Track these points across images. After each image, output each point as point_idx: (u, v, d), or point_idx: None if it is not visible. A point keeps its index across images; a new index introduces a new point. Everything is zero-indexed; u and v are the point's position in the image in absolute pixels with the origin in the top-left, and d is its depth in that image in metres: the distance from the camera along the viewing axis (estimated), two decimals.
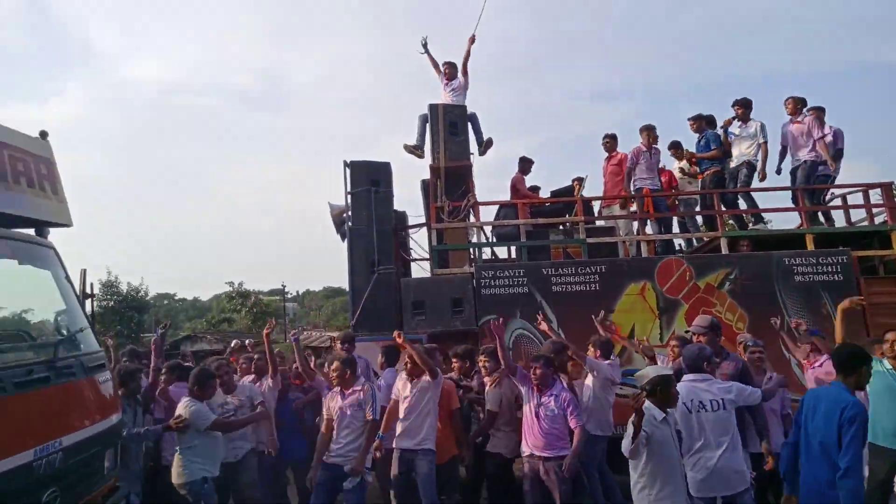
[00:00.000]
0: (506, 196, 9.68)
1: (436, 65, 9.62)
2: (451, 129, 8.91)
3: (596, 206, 10.33)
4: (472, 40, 9.52)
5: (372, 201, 8.40)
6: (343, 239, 8.74)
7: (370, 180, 8.47)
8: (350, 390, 5.35)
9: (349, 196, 8.53)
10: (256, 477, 5.80)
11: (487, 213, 9.47)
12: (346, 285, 8.53)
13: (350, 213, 8.51)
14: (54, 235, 4.76)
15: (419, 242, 9.49)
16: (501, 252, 9.79)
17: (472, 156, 9.05)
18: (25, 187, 4.38)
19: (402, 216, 9.40)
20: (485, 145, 9.36)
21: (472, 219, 8.73)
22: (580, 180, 10.29)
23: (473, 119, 9.28)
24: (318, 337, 31.23)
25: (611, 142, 9.79)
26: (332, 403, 5.43)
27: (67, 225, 4.85)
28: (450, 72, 9.48)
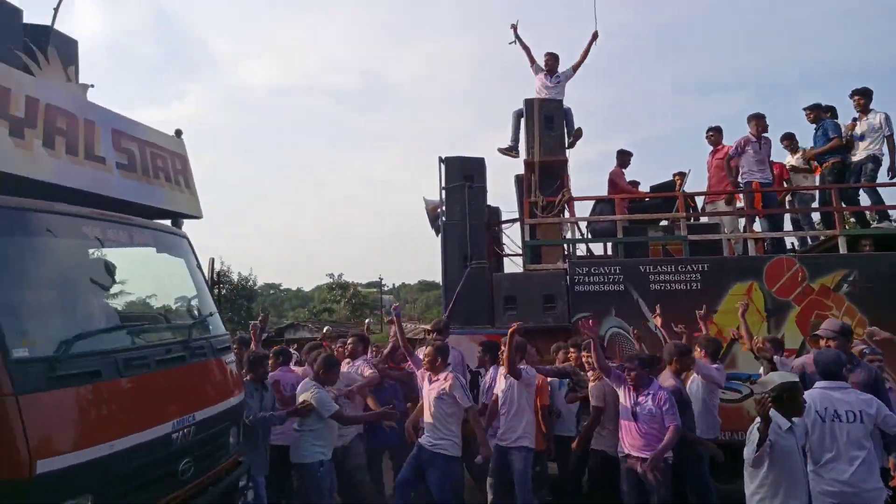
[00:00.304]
0: (603, 193, 9.43)
1: (528, 50, 9.48)
2: (546, 123, 8.81)
3: (699, 201, 9.87)
4: (595, 36, 9.32)
5: (466, 196, 8.43)
6: (437, 234, 8.84)
7: (464, 176, 8.51)
8: (437, 377, 5.41)
9: (443, 191, 8.61)
10: (364, 462, 5.98)
11: (582, 209, 9.27)
12: (440, 279, 8.63)
13: (444, 208, 8.59)
14: (185, 226, 5.13)
15: (512, 238, 9.46)
16: (596, 249, 9.56)
17: (566, 151, 8.91)
18: (164, 181, 4.77)
19: (495, 211, 9.39)
20: (574, 135, 9.17)
21: (566, 214, 8.59)
22: (682, 175, 9.85)
23: (568, 114, 9.12)
24: (413, 329, 31.82)
25: (716, 135, 9.31)
26: (423, 389, 5.55)
27: (198, 217, 5.21)
28: (551, 64, 9.33)
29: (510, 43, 9.44)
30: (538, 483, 5.62)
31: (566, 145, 9.00)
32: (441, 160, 8.66)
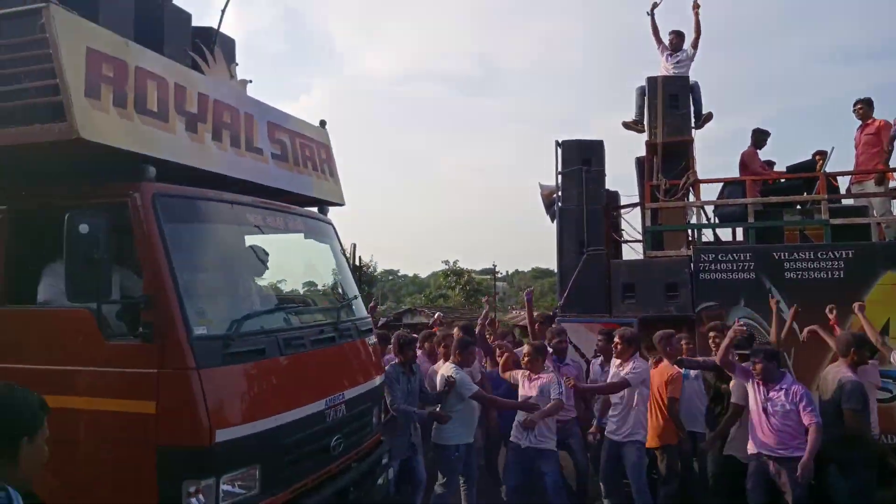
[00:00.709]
0: (733, 174, 8.84)
1: (657, 32, 9.04)
2: (670, 101, 8.38)
3: (843, 182, 8.99)
4: (697, 6, 8.79)
5: (583, 180, 8.23)
6: (552, 220, 8.70)
7: (581, 159, 8.31)
8: (537, 376, 5.41)
9: (560, 176, 8.45)
10: (481, 445, 6.01)
11: (709, 192, 8.74)
12: (554, 267, 8.51)
13: (560, 193, 8.43)
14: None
15: (631, 223, 9.13)
16: (724, 234, 9.00)
17: (692, 130, 8.44)
18: (311, 170, 4.98)
19: (613, 196, 9.09)
20: (703, 119, 8.65)
21: (691, 198, 8.15)
22: (823, 154, 9.02)
23: (695, 90, 8.61)
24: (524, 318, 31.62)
25: (864, 108, 8.39)
26: (522, 388, 5.53)
27: (342, 204, 5.42)
28: (676, 42, 8.86)
29: (647, 13, 8.97)
30: (668, 475, 5.39)
31: (692, 125, 8.52)
32: (558, 144, 8.50)
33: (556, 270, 8.52)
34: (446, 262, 55.05)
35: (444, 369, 5.48)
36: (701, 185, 8.27)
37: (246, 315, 3.57)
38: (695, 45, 8.81)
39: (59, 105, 3.03)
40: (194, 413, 3.06)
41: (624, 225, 9.14)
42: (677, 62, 8.78)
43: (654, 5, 8.90)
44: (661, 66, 8.90)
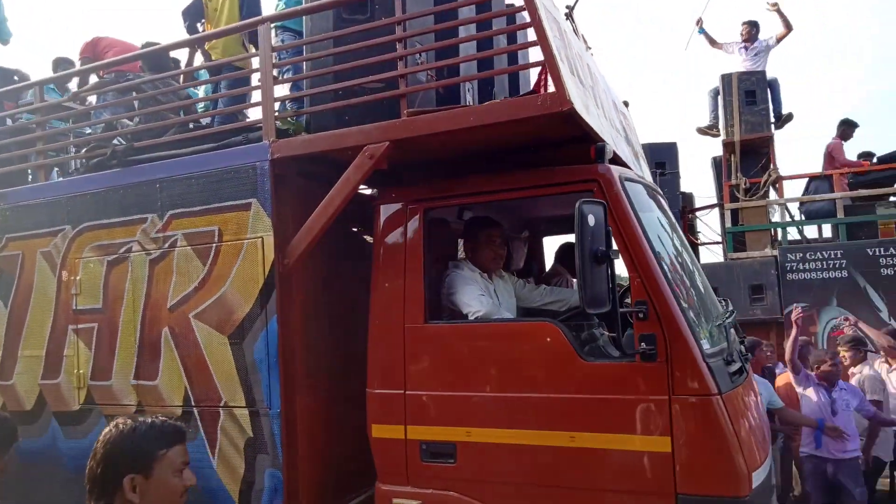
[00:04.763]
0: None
1: (714, 43, 8.72)
2: (747, 98, 8.13)
3: None
4: (775, 4, 8.41)
5: (658, 185, 8.08)
6: None
7: (655, 163, 8.17)
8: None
9: None
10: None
11: (793, 189, 8.40)
12: None
13: None
14: None
15: (710, 225, 8.88)
16: (811, 232, 8.61)
17: (772, 125, 8.15)
18: (643, 160, 4.24)
19: (689, 197, 8.91)
20: (783, 119, 8.32)
21: (773, 196, 7.86)
22: None
23: (773, 85, 8.30)
24: None
25: None
26: None
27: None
28: (750, 33, 8.55)
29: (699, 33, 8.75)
30: None
31: (772, 121, 8.23)
32: None
33: None
34: None
35: None
36: (784, 181, 7.97)
37: (720, 323, 2.92)
38: (779, 39, 8.46)
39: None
40: (727, 452, 2.40)
41: (701, 227, 8.92)
42: (755, 54, 8.45)
43: (700, 21, 8.64)
44: (737, 62, 8.63)
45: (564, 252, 4.30)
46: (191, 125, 3.75)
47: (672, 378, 2.45)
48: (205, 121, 3.98)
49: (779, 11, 8.30)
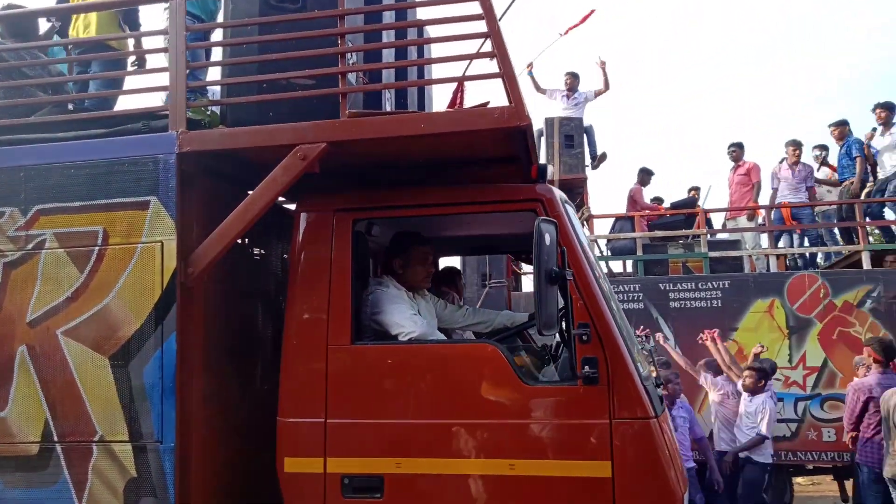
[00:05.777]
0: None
1: (539, 88, 9.53)
2: (566, 141, 8.87)
3: (719, 218, 9.83)
4: (603, 63, 9.28)
5: None
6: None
7: None
8: None
9: None
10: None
11: (602, 227, 9.30)
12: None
13: None
14: None
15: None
16: (616, 266, 9.58)
17: (586, 168, 8.98)
18: None
19: None
20: (598, 159, 9.23)
21: (586, 232, 8.63)
22: (697, 190, 9.90)
23: (589, 131, 9.19)
24: None
25: (737, 151, 9.30)
26: None
27: None
28: (572, 83, 9.36)
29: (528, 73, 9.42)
30: None
31: (587, 164, 9.06)
32: None
33: None
34: None
35: None
36: (594, 219, 8.79)
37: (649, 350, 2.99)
38: (598, 94, 9.38)
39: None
40: (664, 475, 2.44)
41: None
42: (575, 104, 9.33)
43: (530, 65, 9.38)
44: (559, 108, 9.45)
45: (447, 274, 4.29)
46: (70, 105, 3.21)
47: (613, 401, 2.46)
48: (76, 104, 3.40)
49: (604, 70, 9.27)
